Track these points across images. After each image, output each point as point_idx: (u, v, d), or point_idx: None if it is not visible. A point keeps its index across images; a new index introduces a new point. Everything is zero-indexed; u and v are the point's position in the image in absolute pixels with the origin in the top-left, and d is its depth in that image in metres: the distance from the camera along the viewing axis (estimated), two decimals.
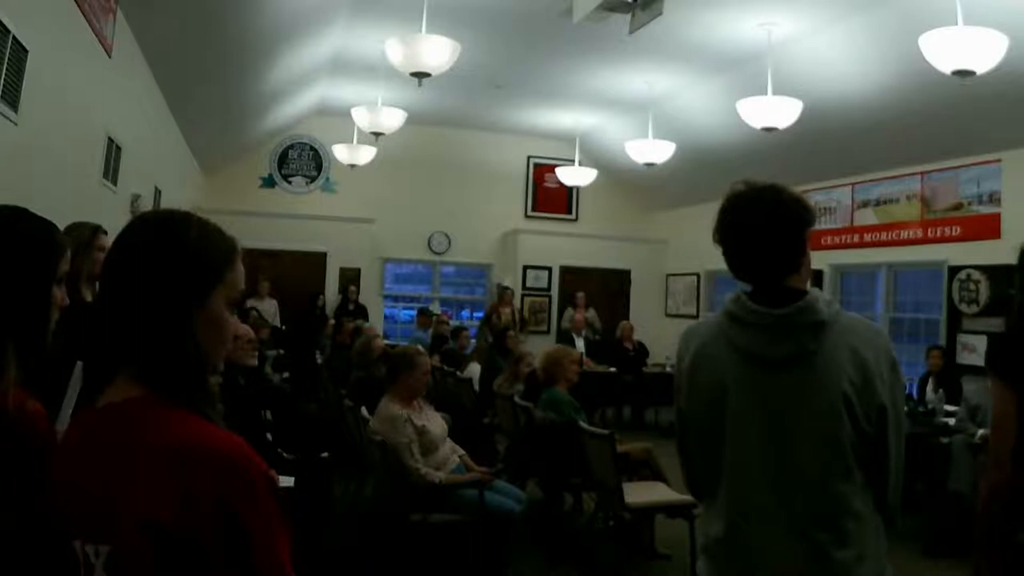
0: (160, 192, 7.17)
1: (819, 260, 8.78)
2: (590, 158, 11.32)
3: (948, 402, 6.05)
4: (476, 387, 6.85)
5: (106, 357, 1.05)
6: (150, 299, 1.02)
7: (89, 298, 2.69)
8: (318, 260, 10.98)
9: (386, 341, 7.81)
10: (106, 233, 2.94)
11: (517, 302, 11.19)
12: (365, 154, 9.48)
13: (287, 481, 3.25)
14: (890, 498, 1.58)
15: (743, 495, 1.59)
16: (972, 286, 7.24)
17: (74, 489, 0.99)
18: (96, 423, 1.02)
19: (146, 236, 1.07)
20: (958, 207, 7.52)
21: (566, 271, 11.79)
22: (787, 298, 1.57)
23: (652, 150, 8.56)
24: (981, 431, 4.74)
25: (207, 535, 0.93)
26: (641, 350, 10.10)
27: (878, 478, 1.57)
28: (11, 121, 3.33)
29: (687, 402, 1.70)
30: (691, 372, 1.67)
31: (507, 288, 10.92)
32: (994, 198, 7.17)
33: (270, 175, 11.41)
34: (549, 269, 11.80)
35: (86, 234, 2.76)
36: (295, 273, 10.60)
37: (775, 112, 6.46)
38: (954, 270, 7.43)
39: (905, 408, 1.63)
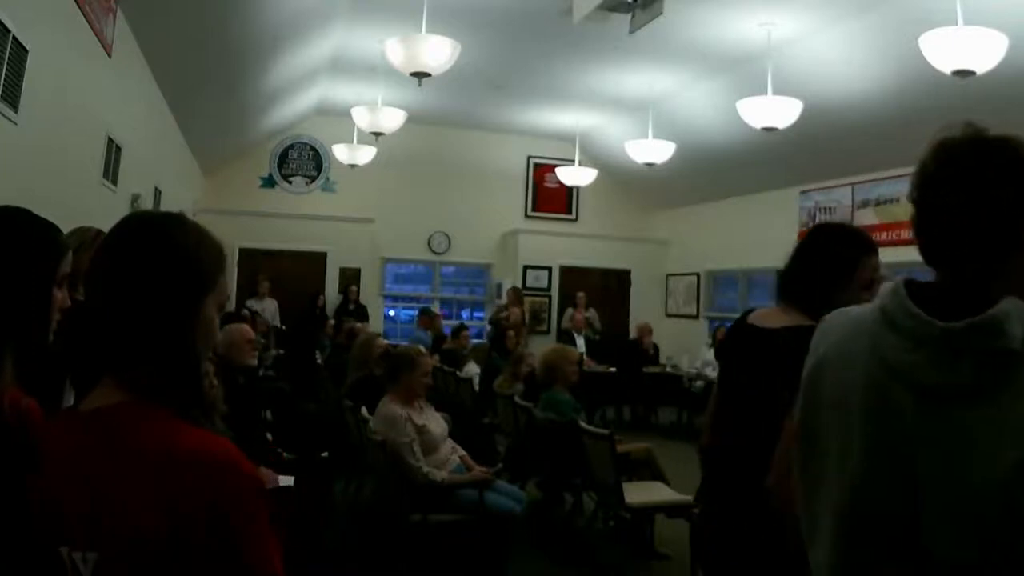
0: (160, 192, 7.17)
1: None
2: (590, 158, 11.32)
3: None
4: (476, 387, 6.85)
5: (95, 360, 1.03)
6: (148, 304, 1.01)
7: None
8: (318, 260, 10.98)
9: (386, 341, 7.81)
10: None
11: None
12: (365, 154, 9.48)
13: (287, 481, 3.26)
14: None
15: (855, 561, 1.08)
16: None
17: (59, 494, 0.97)
18: (81, 427, 1.00)
19: (144, 240, 1.06)
20: None
21: (566, 271, 11.78)
22: (966, 306, 1.00)
23: (652, 150, 8.56)
24: None
25: (197, 541, 0.93)
26: (656, 351, 10.15)
27: None
28: (11, 121, 3.33)
29: (802, 414, 1.20)
30: (814, 378, 1.18)
31: (517, 289, 11.02)
32: None
33: (270, 175, 11.41)
34: (549, 269, 11.79)
35: (88, 236, 2.76)
36: (295, 273, 10.60)
37: (775, 112, 6.46)
38: None
39: None
